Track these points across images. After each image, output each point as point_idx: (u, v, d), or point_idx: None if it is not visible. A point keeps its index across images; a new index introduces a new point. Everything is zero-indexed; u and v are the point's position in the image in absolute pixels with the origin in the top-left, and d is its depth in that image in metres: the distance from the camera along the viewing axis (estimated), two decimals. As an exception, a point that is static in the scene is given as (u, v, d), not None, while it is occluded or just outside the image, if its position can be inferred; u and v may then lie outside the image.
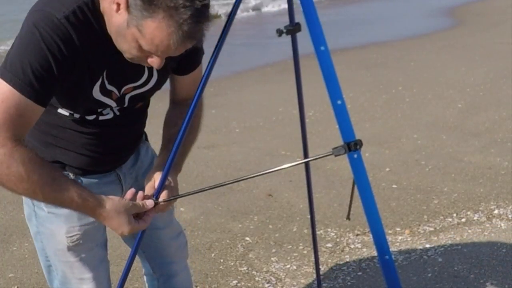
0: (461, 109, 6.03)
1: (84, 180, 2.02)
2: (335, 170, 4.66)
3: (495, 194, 4.21)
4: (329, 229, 3.85)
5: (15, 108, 1.65)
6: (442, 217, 3.95)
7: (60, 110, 1.89)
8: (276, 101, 6.54)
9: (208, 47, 1.93)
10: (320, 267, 3.25)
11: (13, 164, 1.65)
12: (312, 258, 3.09)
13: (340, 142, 1.83)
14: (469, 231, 3.76)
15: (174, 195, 1.94)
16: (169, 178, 1.92)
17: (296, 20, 1.98)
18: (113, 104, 1.89)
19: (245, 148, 5.31)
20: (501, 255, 3.45)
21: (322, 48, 1.77)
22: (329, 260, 3.52)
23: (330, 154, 1.83)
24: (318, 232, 3.72)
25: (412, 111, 6.06)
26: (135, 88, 1.90)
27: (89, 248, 2.09)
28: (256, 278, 3.38)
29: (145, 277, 2.47)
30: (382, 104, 6.35)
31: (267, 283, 3.34)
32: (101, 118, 1.93)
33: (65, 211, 1.99)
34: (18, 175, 1.66)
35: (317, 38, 1.77)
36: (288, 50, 2.11)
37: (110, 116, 1.94)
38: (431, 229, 3.81)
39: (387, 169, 4.70)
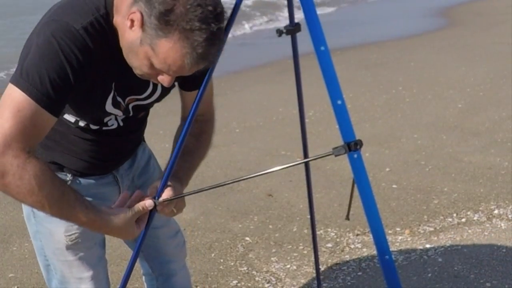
0: (461, 109, 6.03)
1: (82, 180, 2.03)
2: (335, 170, 4.66)
3: (495, 194, 4.21)
4: (329, 229, 3.85)
5: (31, 118, 1.64)
6: (442, 217, 3.95)
7: (66, 116, 1.89)
8: (276, 101, 6.54)
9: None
10: (320, 267, 3.25)
11: (25, 176, 1.64)
12: (312, 258, 3.09)
13: (340, 142, 1.83)
14: (469, 231, 3.77)
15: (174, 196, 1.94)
16: (171, 182, 1.92)
17: (296, 20, 1.98)
18: (119, 113, 1.90)
19: (245, 148, 5.31)
20: (501, 255, 3.45)
21: (322, 48, 1.77)
22: (329, 260, 3.52)
23: (330, 154, 1.83)
24: (318, 232, 3.72)
25: (412, 111, 6.06)
26: (137, 99, 1.91)
27: (88, 247, 2.09)
28: (256, 278, 3.38)
29: (144, 277, 2.47)
30: (382, 104, 6.35)
31: (267, 283, 3.34)
32: (104, 128, 1.94)
33: None
34: (30, 188, 1.65)
35: (317, 38, 1.77)
36: (288, 50, 2.11)
37: (114, 126, 1.95)
38: (431, 229, 3.81)
39: (387, 169, 4.70)
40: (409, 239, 3.71)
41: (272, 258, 3.57)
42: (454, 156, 4.91)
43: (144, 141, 2.24)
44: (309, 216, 2.58)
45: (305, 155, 2.27)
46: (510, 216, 3.90)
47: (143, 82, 1.86)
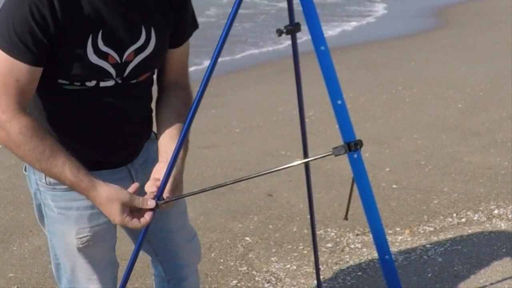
0: (461, 109, 6.03)
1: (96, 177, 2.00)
2: (335, 170, 4.66)
3: (495, 194, 4.20)
4: (329, 229, 3.85)
5: (10, 73, 1.73)
6: (442, 217, 3.95)
7: (60, 81, 1.87)
8: (276, 101, 6.54)
9: (209, 47, 1.92)
10: (320, 267, 3.25)
11: (12, 131, 1.73)
12: (312, 258, 3.09)
13: (340, 142, 1.83)
14: (469, 231, 3.76)
15: (177, 195, 1.93)
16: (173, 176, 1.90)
17: (296, 20, 1.98)
18: (111, 70, 1.87)
19: (245, 148, 5.31)
20: (501, 255, 3.45)
21: (322, 48, 1.77)
22: (329, 260, 3.52)
23: (330, 154, 1.83)
24: (318, 232, 3.72)
25: (412, 111, 6.06)
26: (136, 52, 1.88)
27: (98, 250, 2.09)
28: (256, 278, 3.38)
29: (154, 278, 2.45)
30: (382, 104, 6.35)
31: (267, 283, 3.34)
32: (102, 84, 1.89)
33: (75, 212, 2.00)
34: (17, 142, 1.74)
35: (317, 38, 1.77)
36: (288, 50, 2.11)
37: (111, 83, 1.91)
38: (431, 229, 3.81)
39: (387, 169, 4.70)
40: (409, 239, 3.71)
41: (272, 258, 3.57)
42: (454, 156, 4.91)
43: (156, 138, 2.23)
44: (309, 216, 2.58)
45: (305, 155, 2.27)
46: (510, 216, 3.90)
47: (133, 28, 1.85)
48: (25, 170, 2.06)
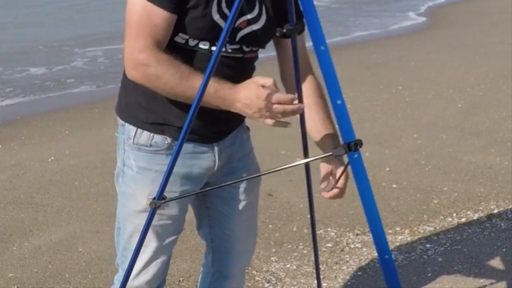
0: (461, 109, 6.04)
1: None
2: (335, 170, 4.65)
3: (495, 194, 4.21)
4: (329, 229, 3.85)
5: (148, 18, 1.88)
6: (442, 217, 3.95)
7: (176, 38, 1.96)
8: (276, 101, 6.52)
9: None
10: (320, 267, 3.25)
11: (151, 64, 1.87)
12: (312, 258, 3.09)
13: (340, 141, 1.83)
14: (469, 231, 3.77)
15: (183, 194, 1.97)
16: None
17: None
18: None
19: (245, 148, 5.30)
20: (501, 255, 3.46)
21: (322, 48, 1.77)
22: (329, 260, 3.52)
23: (330, 155, 1.83)
24: (318, 232, 3.72)
25: (412, 111, 6.06)
26: (249, 22, 1.99)
27: (164, 218, 2.10)
28: (256, 278, 3.38)
29: (202, 268, 2.45)
30: (382, 104, 6.35)
31: (267, 282, 3.34)
32: (213, 49, 1.97)
33: (153, 174, 2.05)
34: (156, 73, 1.87)
35: (317, 38, 1.77)
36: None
37: (222, 49, 1.96)
38: (431, 229, 3.81)
39: (387, 169, 4.70)
40: (409, 238, 3.71)
41: (272, 258, 3.57)
42: (454, 156, 4.91)
43: (248, 130, 2.26)
44: (309, 216, 2.58)
45: (305, 155, 2.27)
46: (510, 215, 3.91)
47: (249, 0, 1.98)
48: (117, 133, 2.15)
